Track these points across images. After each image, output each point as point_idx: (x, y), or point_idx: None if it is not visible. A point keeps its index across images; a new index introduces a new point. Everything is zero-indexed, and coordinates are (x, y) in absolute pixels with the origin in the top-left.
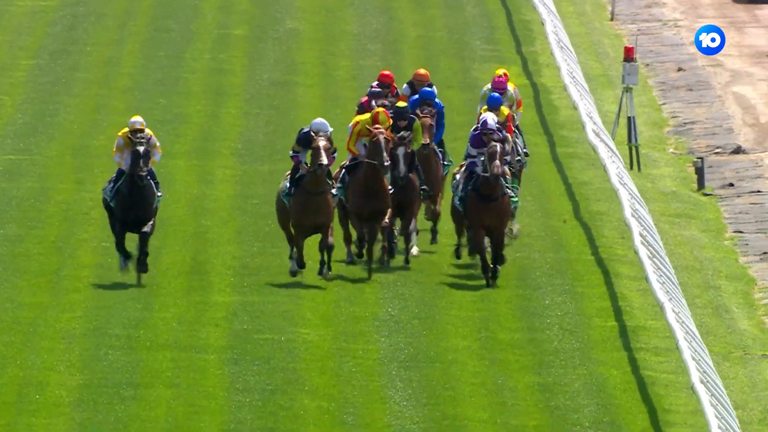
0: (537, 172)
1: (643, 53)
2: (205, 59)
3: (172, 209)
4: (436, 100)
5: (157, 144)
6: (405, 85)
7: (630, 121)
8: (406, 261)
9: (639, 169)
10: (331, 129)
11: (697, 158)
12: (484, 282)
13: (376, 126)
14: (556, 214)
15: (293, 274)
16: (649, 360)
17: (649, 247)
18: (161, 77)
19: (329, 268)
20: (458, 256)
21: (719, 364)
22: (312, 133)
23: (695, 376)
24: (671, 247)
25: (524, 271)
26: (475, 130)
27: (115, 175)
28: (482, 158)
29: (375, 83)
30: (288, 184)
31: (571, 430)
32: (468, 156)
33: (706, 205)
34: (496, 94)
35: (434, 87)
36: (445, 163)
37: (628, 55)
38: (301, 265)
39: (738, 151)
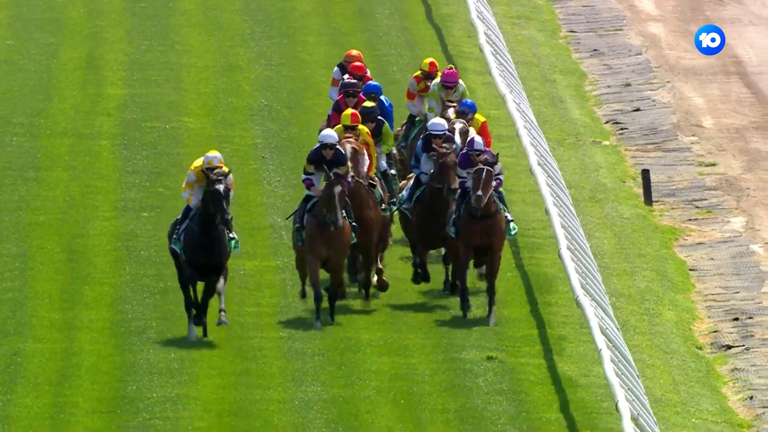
0: None
1: None
2: None
3: (69, 11)
4: (381, 97)
5: (233, 182)
6: (336, 69)
7: None
8: (366, 296)
9: None
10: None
11: None
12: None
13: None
14: (411, 15)
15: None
16: (493, 146)
17: (493, 45)
18: None
19: (332, 317)
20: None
21: (554, 149)
22: (323, 152)
23: (533, 160)
24: (512, 45)
25: (382, 66)
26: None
27: (180, 214)
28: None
29: (346, 76)
30: (298, 219)
31: None
32: (458, 177)
33: (543, 8)
34: (469, 101)
35: (367, 70)
36: (393, 172)
37: None
38: (318, 297)
39: None
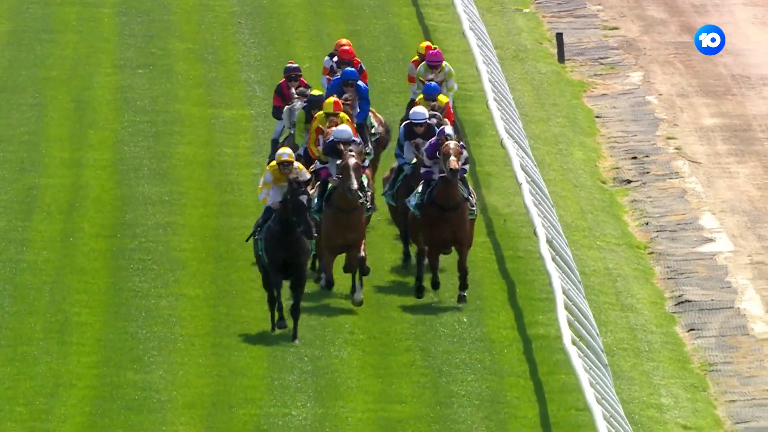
0: None
1: None
2: None
3: None
4: (359, 82)
5: (307, 179)
6: (327, 58)
7: None
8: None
9: None
10: (358, 140)
11: None
12: None
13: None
14: None
15: (327, 286)
16: (432, 14)
17: None
18: None
19: (361, 285)
20: (434, 286)
21: (483, 15)
22: (339, 145)
23: (466, 24)
24: None
25: None
26: (408, 129)
27: (260, 218)
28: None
29: (336, 58)
30: (317, 200)
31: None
32: (422, 166)
33: None
34: (434, 84)
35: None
36: (366, 151)
37: None
38: (330, 284)
39: None
